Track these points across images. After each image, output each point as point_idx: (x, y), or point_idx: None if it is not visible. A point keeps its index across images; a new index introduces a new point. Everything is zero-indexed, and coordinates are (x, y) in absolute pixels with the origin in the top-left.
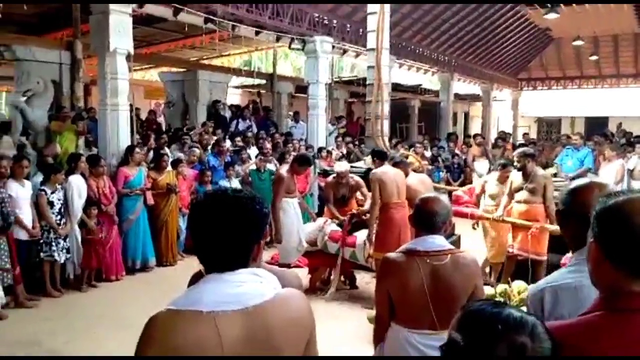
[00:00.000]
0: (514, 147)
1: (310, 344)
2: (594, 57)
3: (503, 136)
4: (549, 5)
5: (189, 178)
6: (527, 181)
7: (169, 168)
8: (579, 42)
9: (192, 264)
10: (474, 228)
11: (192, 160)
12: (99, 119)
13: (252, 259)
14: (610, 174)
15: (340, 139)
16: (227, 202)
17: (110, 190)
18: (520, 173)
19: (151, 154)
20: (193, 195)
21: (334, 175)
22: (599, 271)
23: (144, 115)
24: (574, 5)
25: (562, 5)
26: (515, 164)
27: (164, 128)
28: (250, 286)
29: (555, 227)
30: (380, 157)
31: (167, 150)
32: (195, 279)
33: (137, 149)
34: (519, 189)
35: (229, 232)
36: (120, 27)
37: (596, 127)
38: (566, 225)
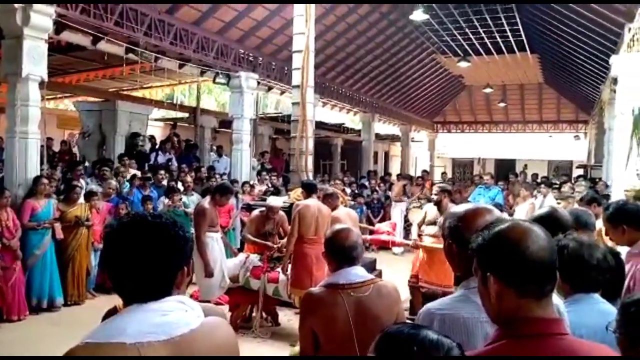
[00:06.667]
0: (432, 185)
1: None
2: (502, 104)
3: (423, 175)
4: (461, 54)
5: (103, 211)
6: (442, 216)
7: (81, 200)
8: (488, 90)
9: (101, 304)
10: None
11: (108, 193)
12: (6, 147)
13: (176, 286)
14: (524, 212)
15: (264, 173)
16: (148, 226)
17: (14, 223)
18: (436, 207)
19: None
20: (107, 229)
21: (262, 209)
22: (503, 303)
23: (56, 145)
24: (484, 55)
25: (473, 55)
26: (432, 196)
27: (78, 159)
28: (176, 315)
29: None
30: (307, 189)
31: (82, 182)
32: (110, 316)
33: (44, 180)
34: (433, 223)
35: (152, 258)
36: (34, 53)
37: (504, 169)
38: (455, 252)
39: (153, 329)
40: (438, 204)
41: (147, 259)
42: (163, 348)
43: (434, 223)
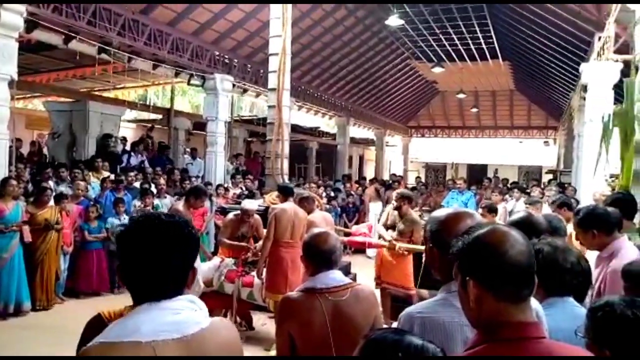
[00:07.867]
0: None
1: None
2: (475, 110)
3: (397, 179)
4: (435, 60)
5: (73, 214)
6: (401, 221)
7: (51, 203)
8: (461, 95)
9: (70, 308)
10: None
11: (78, 195)
12: None
13: (187, 285)
14: (497, 215)
15: (239, 176)
16: (164, 225)
17: None
18: (396, 212)
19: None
20: (76, 232)
21: (237, 213)
22: (482, 307)
23: (25, 146)
24: (457, 61)
25: (447, 61)
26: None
27: (47, 160)
28: (187, 314)
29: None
30: (284, 192)
31: (51, 184)
32: (92, 325)
33: (12, 182)
34: (393, 226)
35: (169, 257)
36: (4, 52)
37: (476, 173)
38: (436, 256)
39: (166, 327)
40: (398, 209)
41: (164, 258)
42: (176, 346)
43: (393, 227)
